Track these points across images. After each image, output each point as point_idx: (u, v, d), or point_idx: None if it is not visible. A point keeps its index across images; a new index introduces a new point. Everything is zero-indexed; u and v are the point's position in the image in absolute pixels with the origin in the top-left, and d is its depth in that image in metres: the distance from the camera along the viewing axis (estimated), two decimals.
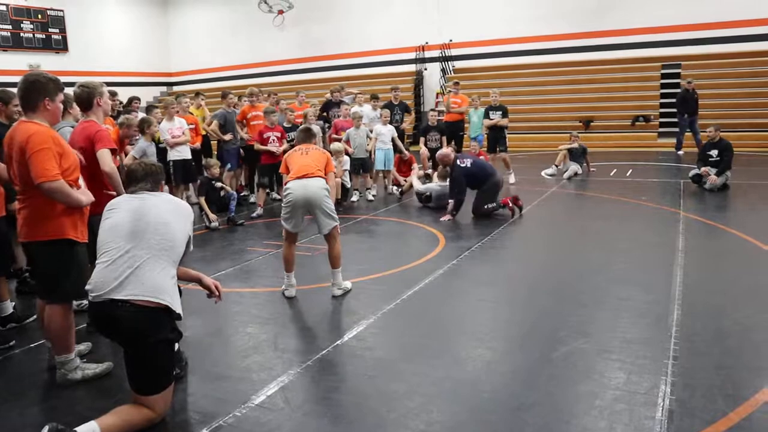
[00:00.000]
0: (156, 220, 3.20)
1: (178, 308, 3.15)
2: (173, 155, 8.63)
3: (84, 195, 3.67)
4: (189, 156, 8.76)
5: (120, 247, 3.12)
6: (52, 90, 3.63)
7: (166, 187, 7.85)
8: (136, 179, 3.44)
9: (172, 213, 3.30)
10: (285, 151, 6.94)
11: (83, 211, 3.74)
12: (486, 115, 11.78)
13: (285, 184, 5.25)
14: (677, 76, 17.62)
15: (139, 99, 10.36)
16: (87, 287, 3.14)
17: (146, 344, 3.03)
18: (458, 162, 8.52)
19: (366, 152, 10.07)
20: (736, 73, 16.84)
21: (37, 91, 3.57)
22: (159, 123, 8.59)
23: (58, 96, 3.67)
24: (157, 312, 3.04)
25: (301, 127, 6.13)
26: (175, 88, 26.86)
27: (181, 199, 9.08)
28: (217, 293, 3.61)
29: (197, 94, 11.34)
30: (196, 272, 3.68)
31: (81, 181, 3.79)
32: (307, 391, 3.55)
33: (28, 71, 3.72)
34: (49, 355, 3.93)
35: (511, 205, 8.38)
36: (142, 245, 3.12)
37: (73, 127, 5.02)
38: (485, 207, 8.39)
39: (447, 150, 9.25)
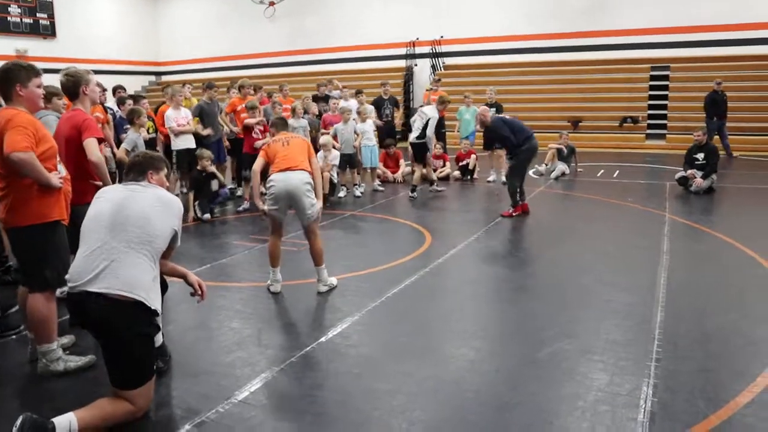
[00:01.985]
0: (137, 213, 3.15)
1: (154, 304, 3.07)
2: (178, 144, 8.62)
3: (54, 178, 3.60)
4: (193, 145, 8.73)
5: (99, 238, 3.07)
6: (24, 77, 3.61)
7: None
8: (127, 169, 3.45)
9: (155, 208, 3.22)
10: None
11: (61, 193, 3.70)
12: None
13: (269, 175, 5.18)
14: (666, 78, 17.77)
15: (123, 88, 10.18)
16: (66, 276, 3.11)
17: (119, 338, 2.98)
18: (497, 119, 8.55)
19: (353, 148, 10.07)
20: (724, 76, 16.94)
21: (8, 80, 3.58)
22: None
23: (31, 81, 3.64)
24: (131, 306, 2.98)
25: (278, 117, 5.97)
26: (164, 78, 26.70)
27: (174, 188, 9.06)
28: (200, 292, 3.55)
29: (183, 84, 11.19)
30: (183, 269, 3.64)
31: (61, 167, 3.76)
32: (291, 388, 3.53)
33: (14, 57, 3.69)
34: (30, 347, 3.89)
35: (513, 213, 8.27)
36: (121, 237, 3.06)
37: (58, 117, 4.97)
38: (515, 187, 8.32)
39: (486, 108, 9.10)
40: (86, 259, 3.04)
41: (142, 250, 3.08)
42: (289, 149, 5.20)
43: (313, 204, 5.12)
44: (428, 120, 9.64)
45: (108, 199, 3.25)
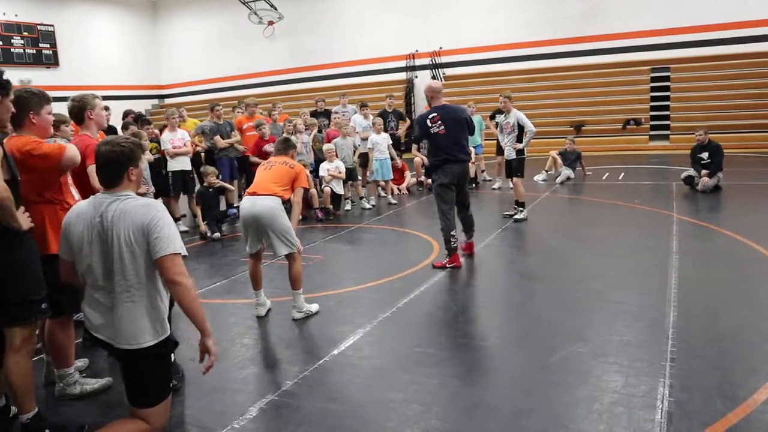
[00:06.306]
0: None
1: (164, 330, 2.87)
2: (173, 166, 8.72)
3: None
4: (189, 167, 8.88)
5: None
6: (36, 104, 3.60)
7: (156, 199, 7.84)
8: (99, 168, 3.03)
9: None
10: None
11: None
12: (492, 118, 11.71)
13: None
14: (667, 79, 17.76)
15: (133, 112, 10.37)
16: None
17: (137, 362, 2.96)
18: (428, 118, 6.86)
19: (353, 162, 10.12)
20: (724, 75, 16.96)
21: (20, 106, 3.55)
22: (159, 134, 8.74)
23: (44, 109, 3.64)
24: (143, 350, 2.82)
25: (280, 138, 5.54)
26: (167, 101, 26.87)
27: (177, 210, 9.12)
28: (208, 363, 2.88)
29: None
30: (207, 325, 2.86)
31: (75, 192, 3.79)
32: (305, 402, 3.53)
33: (18, 87, 3.70)
34: (45, 370, 3.91)
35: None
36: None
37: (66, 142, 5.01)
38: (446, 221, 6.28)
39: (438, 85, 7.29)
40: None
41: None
42: (267, 174, 4.98)
43: (286, 235, 4.84)
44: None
45: None
